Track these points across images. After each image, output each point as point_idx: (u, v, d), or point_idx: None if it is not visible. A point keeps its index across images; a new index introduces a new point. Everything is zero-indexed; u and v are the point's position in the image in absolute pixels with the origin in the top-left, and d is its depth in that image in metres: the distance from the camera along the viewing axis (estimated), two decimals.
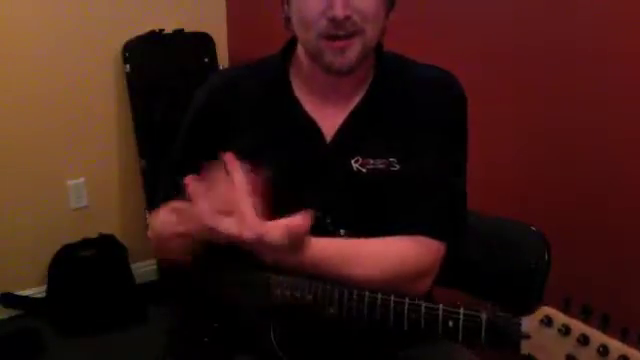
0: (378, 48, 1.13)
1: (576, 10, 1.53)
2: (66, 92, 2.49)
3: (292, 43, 1.14)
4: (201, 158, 1.17)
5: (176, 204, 1.00)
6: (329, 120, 1.10)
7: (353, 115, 1.10)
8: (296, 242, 0.93)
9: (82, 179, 2.61)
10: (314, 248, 0.97)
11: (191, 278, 1.20)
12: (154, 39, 2.56)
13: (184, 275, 1.24)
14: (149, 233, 1.26)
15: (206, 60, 2.69)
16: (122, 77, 2.59)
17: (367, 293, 0.94)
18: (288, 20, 1.07)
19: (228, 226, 0.90)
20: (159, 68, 2.58)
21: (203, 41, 2.69)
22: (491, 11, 1.74)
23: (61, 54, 2.45)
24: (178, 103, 2.33)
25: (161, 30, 2.58)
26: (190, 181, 0.92)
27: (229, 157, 0.91)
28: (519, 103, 1.70)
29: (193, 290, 1.25)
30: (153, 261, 2.76)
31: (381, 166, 1.07)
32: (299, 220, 0.90)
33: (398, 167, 1.07)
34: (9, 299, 2.53)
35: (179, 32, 2.62)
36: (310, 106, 1.11)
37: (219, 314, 1.17)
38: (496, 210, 1.38)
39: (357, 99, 1.11)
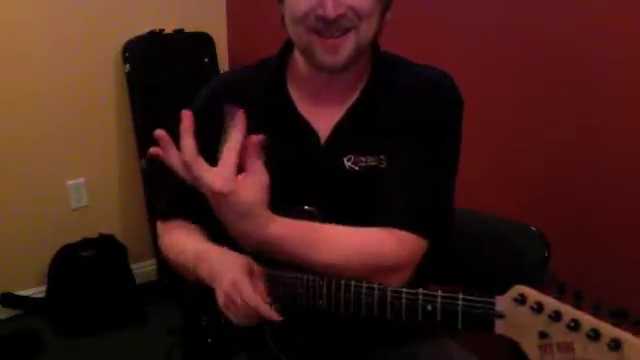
0: (374, 48, 1.13)
1: (575, 9, 1.53)
2: (66, 92, 2.49)
3: (289, 44, 1.14)
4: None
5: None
6: (324, 120, 1.10)
7: (348, 114, 1.10)
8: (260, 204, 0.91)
9: (82, 179, 2.61)
10: (278, 225, 0.95)
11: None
12: (154, 39, 2.56)
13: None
14: (160, 244, 1.26)
15: (206, 60, 2.68)
16: (122, 77, 2.59)
17: (353, 283, 0.93)
18: (283, 18, 1.07)
19: (205, 172, 0.89)
20: (159, 68, 2.58)
21: (203, 41, 2.69)
22: (489, 10, 1.74)
23: (61, 54, 2.45)
24: (178, 103, 2.33)
25: (161, 30, 2.58)
26: (187, 115, 0.90)
27: (240, 112, 0.90)
28: (519, 102, 1.70)
29: (194, 290, 1.25)
30: (153, 261, 2.76)
31: (373, 163, 1.07)
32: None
33: (386, 164, 1.07)
34: (9, 299, 2.53)
35: (179, 32, 2.62)
36: (304, 106, 1.11)
37: (218, 314, 1.17)
38: (496, 210, 1.38)
39: (352, 99, 1.11)
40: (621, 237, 1.51)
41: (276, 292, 1.03)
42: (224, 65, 2.78)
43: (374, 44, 1.12)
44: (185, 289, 1.29)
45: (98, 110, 2.59)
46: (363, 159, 1.07)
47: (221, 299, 0.99)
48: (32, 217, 2.53)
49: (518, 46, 1.68)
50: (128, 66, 2.56)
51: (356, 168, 1.08)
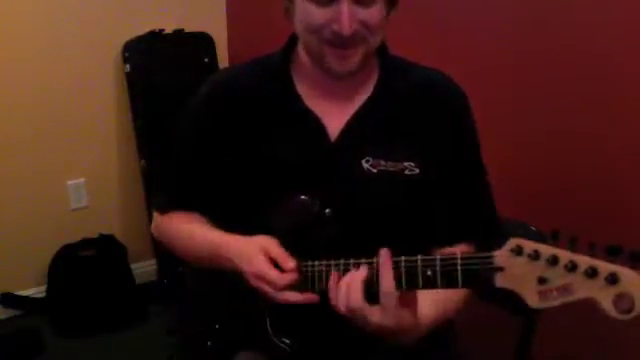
0: (382, 49, 1.13)
1: (576, 10, 1.53)
2: (66, 92, 2.49)
3: (293, 40, 1.14)
4: (205, 157, 1.18)
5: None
6: (333, 118, 1.10)
7: (359, 114, 1.10)
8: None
9: (82, 179, 2.61)
10: (424, 327, 0.99)
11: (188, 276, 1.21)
12: (154, 39, 2.56)
13: (183, 275, 1.24)
14: (153, 230, 1.28)
15: (206, 60, 2.68)
16: (122, 77, 2.59)
17: (352, 261, 0.95)
18: (288, 10, 1.07)
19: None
20: (159, 68, 2.58)
21: (203, 41, 2.69)
22: (492, 11, 1.74)
23: (61, 54, 2.45)
24: (178, 103, 2.33)
25: (161, 30, 2.57)
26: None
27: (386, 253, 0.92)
28: (519, 102, 1.70)
29: (193, 290, 1.25)
30: (153, 261, 2.76)
31: (392, 169, 1.08)
32: None
33: (417, 171, 1.08)
34: (9, 299, 2.53)
35: (179, 32, 2.62)
36: (313, 102, 1.11)
37: (219, 314, 1.17)
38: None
39: (362, 98, 1.11)
40: (621, 237, 1.50)
41: None
42: (224, 65, 2.78)
43: (382, 44, 1.13)
44: (184, 294, 1.30)
45: (98, 110, 2.59)
46: (382, 163, 1.08)
47: (253, 287, 1.03)
48: (32, 217, 2.53)
49: (520, 46, 1.68)
50: (128, 66, 2.55)
51: (374, 171, 1.08)
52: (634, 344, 1.50)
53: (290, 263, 1.00)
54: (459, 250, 0.87)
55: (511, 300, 1.26)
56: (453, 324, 1.25)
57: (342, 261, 0.96)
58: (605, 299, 0.71)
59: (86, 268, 2.49)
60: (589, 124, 1.54)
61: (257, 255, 1.01)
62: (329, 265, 0.97)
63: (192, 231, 1.18)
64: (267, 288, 1.00)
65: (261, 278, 1.00)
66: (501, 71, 1.73)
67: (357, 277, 0.91)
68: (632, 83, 1.44)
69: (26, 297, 2.57)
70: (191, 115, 1.20)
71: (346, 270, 0.95)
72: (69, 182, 2.59)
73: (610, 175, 1.52)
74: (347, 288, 0.92)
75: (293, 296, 0.99)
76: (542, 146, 1.66)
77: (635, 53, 1.42)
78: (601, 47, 1.49)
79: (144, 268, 2.75)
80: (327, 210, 1.05)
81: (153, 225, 1.28)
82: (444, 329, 1.22)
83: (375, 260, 0.91)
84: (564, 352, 1.63)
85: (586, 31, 1.51)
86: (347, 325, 1.07)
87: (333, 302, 0.94)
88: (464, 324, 1.28)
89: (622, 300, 0.70)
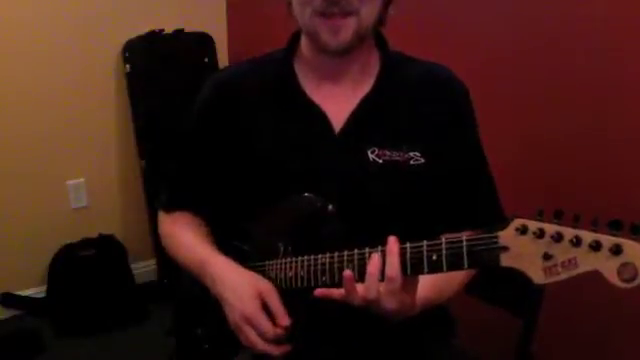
0: (382, 42, 1.14)
1: (577, 9, 1.53)
2: (66, 92, 2.49)
3: (296, 37, 1.15)
4: (210, 155, 1.18)
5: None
6: (337, 110, 1.11)
7: (362, 105, 1.11)
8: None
9: (82, 179, 2.61)
10: (420, 302, 0.98)
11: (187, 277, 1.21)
12: (154, 39, 2.56)
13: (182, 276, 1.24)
14: (159, 229, 1.28)
15: (206, 60, 2.69)
16: (122, 77, 2.60)
17: (356, 251, 0.94)
18: (290, 4, 1.08)
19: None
20: (159, 68, 2.58)
21: (203, 41, 2.69)
22: (493, 10, 1.74)
23: (61, 54, 2.46)
24: (178, 103, 2.33)
25: (161, 30, 2.58)
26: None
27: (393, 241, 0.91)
28: (520, 102, 1.70)
29: (188, 294, 1.25)
30: (153, 261, 2.76)
31: (397, 158, 1.08)
32: None
33: (423, 161, 1.09)
34: (9, 299, 2.54)
35: (179, 32, 2.62)
36: (316, 96, 1.11)
37: (215, 317, 1.17)
38: None
39: (365, 90, 1.11)
40: None
41: (279, 280, 1.05)
42: (224, 65, 2.78)
43: (382, 39, 1.14)
44: (179, 297, 1.30)
45: (98, 110, 2.59)
46: (387, 153, 1.09)
47: (232, 324, 1.04)
48: (32, 217, 2.53)
49: (520, 45, 1.68)
50: (128, 66, 2.56)
51: (380, 161, 1.09)
52: (633, 344, 1.51)
53: (285, 321, 1.00)
54: (464, 234, 0.87)
55: (511, 300, 1.27)
56: (454, 323, 1.25)
57: (346, 252, 0.96)
58: (609, 269, 0.74)
59: (86, 268, 2.49)
60: (590, 123, 1.54)
61: (252, 298, 1.02)
62: (332, 257, 0.97)
63: (183, 243, 1.20)
64: (251, 333, 1.01)
65: (250, 322, 1.01)
66: (502, 69, 1.73)
67: (374, 271, 0.90)
68: (633, 80, 1.44)
69: (26, 297, 2.57)
70: (195, 114, 1.20)
71: (350, 262, 0.94)
72: (69, 182, 2.59)
73: (611, 175, 1.52)
74: (367, 284, 0.91)
75: (270, 349, 1.00)
76: (543, 146, 1.66)
77: (636, 49, 1.43)
78: (602, 43, 1.49)
79: (144, 268, 2.75)
80: (330, 206, 1.06)
81: (159, 225, 1.30)
82: (444, 327, 1.23)
83: (381, 248, 0.91)
84: (564, 352, 1.63)
85: (587, 27, 1.52)
86: (343, 325, 1.08)
87: (354, 299, 0.93)
88: (465, 324, 1.28)
89: (625, 269, 0.73)
